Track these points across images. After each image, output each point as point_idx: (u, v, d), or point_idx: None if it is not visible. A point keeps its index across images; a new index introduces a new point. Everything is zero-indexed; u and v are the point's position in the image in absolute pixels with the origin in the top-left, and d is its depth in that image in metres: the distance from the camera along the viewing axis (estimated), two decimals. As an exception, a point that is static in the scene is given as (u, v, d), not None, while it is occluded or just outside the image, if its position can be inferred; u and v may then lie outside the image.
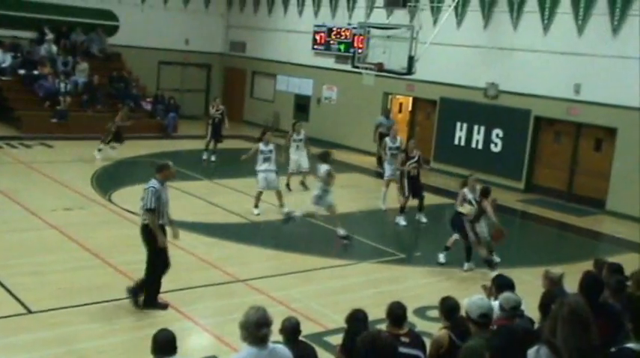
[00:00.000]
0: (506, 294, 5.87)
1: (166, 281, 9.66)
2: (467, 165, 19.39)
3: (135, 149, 19.88)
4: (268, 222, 13.59)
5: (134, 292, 8.71)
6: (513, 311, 5.73)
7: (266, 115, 25.99)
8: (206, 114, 25.67)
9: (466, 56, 19.54)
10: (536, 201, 17.56)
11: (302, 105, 25.21)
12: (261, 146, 14.06)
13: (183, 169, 17.24)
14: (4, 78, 22.43)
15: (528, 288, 7.97)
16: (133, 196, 14.54)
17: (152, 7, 26.34)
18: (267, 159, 13.99)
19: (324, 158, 12.54)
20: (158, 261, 8.62)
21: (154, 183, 8.54)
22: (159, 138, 22.44)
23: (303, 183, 16.55)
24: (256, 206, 13.85)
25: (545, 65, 17.81)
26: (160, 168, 8.57)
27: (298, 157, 16.23)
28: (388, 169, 15.26)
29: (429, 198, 15.40)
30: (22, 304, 8.65)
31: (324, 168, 12.36)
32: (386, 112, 20.88)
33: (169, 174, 8.62)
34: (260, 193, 13.92)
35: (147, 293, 8.69)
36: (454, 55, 19.82)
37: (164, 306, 8.70)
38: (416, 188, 14.21)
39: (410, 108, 22.34)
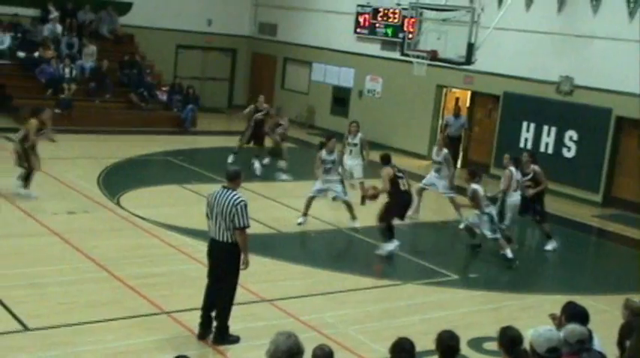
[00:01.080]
0: (571, 326, 5.83)
1: (179, 300, 9.77)
2: (534, 173, 19.25)
3: (148, 145, 20.15)
4: (301, 233, 13.68)
5: (225, 338, 8.47)
6: (580, 345, 5.70)
7: (299, 110, 26.13)
8: (242, 110, 25.93)
9: (536, 44, 19.41)
10: (616, 217, 17.34)
11: (341, 99, 25.29)
12: (324, 154, 14.01)
13: (203, 171, 17.45)
14: (1, 61, 22.88)
15: (605, 319, 7.90)
16: (145, 200, 14.78)
17: (171, -17, 26.77)
18: (329, 170, 13.96)
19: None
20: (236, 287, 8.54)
21: (239, 195, 8.39)
22: (175, 134, 22.72)
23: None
24: (304, 214, 13.97)
25: (629, 57, 17.60)
26: (236, 175, 8.41)
27: (351, 164, 15.94)
28: (440, 185, 15.26)
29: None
30: (18, 320, 8.83)
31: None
32: (455, 110, 20.80)
33: (240, 184, 8.52)
34: (312, 198, 13.98)
35: (222, 326, 8.49)
36: (522, 43, 19.71)
37: (237, 339, 8.59)
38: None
39: (467, 105, 22.27)
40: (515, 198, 13.74)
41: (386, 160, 12.83)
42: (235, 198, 8.17)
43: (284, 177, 17.54)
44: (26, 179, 14.04)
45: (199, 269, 10.33)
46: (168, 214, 13.76)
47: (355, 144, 16.10)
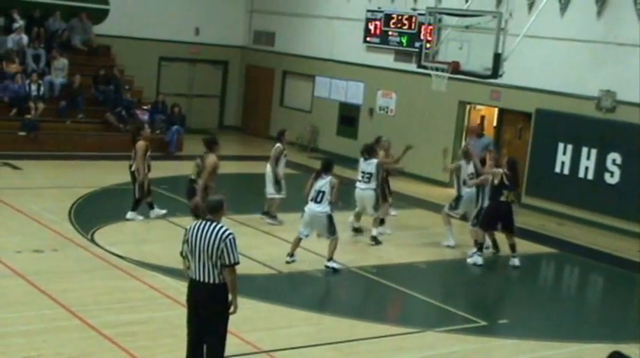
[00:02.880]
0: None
1: (162, 351, 9.73)
2: (571, 201, 19.24)
3: (126, 173, 20.10)
4: (303, 273, 13.67)
5: None
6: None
7: (300, 130, 26.21)
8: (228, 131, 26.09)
9: (572, 54, 19.49)
10: (668, 253, 17.30)
11: (349, 118, 25.38)
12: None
13: (187, 201, 17.44)
14: (-42, 77, 23.09)
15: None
16: (123, 236, 14.78)
17: (153, -14, 27.03)
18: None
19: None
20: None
21: (226, 227, 8.33)
22: (158, 159, 22.68)
23: (357, 230, 16.38)
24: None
25: (680, 67, 17.66)
26: (218, 206, 8.35)
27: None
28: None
29: (518, 245, 15.27)
30: (-24, 376, 8.80)
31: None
32: (477, 129, 20.76)
33: (222, 215, 8.49)
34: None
35: None
36: (556, 53, 19.80)
37: None
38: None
39: (495, 124, 22.29)
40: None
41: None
42: (222, 231, 8.12)
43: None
44: None
45: (185, 315, 10.30)
46: (150, 252, 13.74)
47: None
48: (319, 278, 13.55)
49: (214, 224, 8.17)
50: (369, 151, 15.65)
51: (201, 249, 8.12)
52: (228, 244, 8.10)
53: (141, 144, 15.67)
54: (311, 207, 13.58)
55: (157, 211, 16.09)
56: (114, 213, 16.14)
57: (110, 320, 10.58)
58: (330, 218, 13.63)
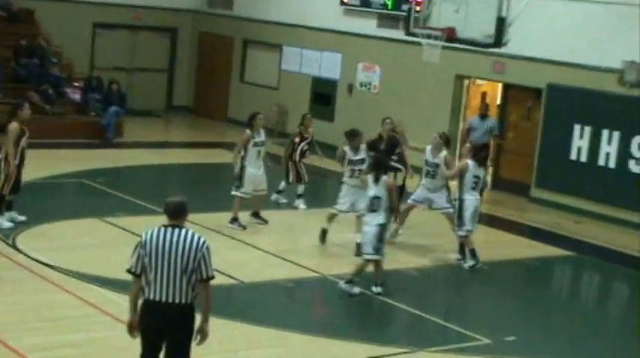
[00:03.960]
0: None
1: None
2: (590, 194, 19.36)
3: (55, 164, 20.09)
4: (271, 283, 13.69)
5: None
6: None
7: (265, 111, 26.15)
8: (182, 112, 25.95)
9: (590, 18, 19.61)
10: None
11: (323, 96, 25.42)
12: (348, 151, 15.38)
13: (132, 197, 17.42)
14: None
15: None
16: (51, 240, 14.71)
17: (85, -64, 26.85)
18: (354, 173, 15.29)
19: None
20: None
21: (198, 234, 8.16)
22: (93, 147, 22.68)
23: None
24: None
25: None
26: (182, 208, 8.18)
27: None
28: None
29: (527, 248, 15.37)
30: None
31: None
32: (481, 108, 20.87)
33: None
34: (334, 215, 15.37)
35: None
36: (570, 17, 19.91)
37: None
38: None
39: (498, 102, 22.39)
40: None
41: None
42: (197, 238, 7.94)
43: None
44: None
45: (127, 335, 10.28)
46: (85, 260, 13.68)
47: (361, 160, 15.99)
48: (289, 289, 13.56)
49: (183, 230, 8.00)
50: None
51: (170, 262, 7.92)
52: (206, 254, 7.99)
53: (14, 126, 14.60)
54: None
55: (12, 216, 15.09)
56: (40, 212, 16.04)
57: (37, 342, 10.50)
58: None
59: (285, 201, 18.13)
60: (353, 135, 15.51)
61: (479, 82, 22.83)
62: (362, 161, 15.33)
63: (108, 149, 22.72)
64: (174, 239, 7.93)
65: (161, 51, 29.03)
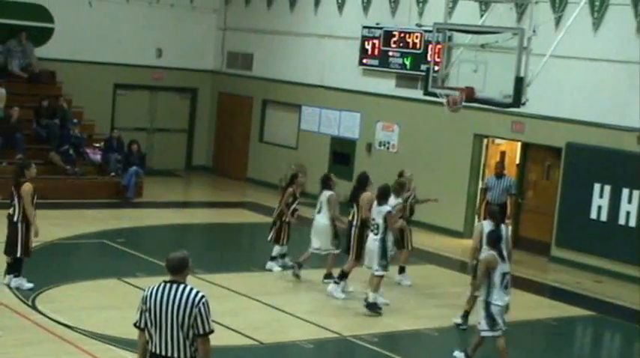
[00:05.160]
0: None
1: None
2: (610, 254, 19.24)
3: (75, 224, 20.14)
4: (288, 344, 13.61)
5: None
6: None
7: (284, 170, 26.19)
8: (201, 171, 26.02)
9: (609, 77, 19.61)
10: None
11: (343, 155, 25.46)
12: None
13: (152, 258, 17.42)
14: None
15: None
16: (70, 301, 14.70)
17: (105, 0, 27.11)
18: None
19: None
20: None
21: (197, 289, 8.17)
22: (113, 207, 22.74)
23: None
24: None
25: None
26: (183, 264, 8.22)
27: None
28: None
29: (548, 308, 15.26)
30: None
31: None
32: (497, 167, 20.79)
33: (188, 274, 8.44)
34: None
35: None
36: (589, 76, 19.94)
37: None
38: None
39: (517, 161, 22.38)
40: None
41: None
42: (194, 294, 8.06)
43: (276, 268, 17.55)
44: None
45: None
46: (104, 320, 13.66)
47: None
48: (308, 351, 13.48)
49: (181, 286, 8.08)
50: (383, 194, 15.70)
51: (168, 317, 8.02)
52: (202, 310, 8.02)
53: (29, 186, 14.55)
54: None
55: (20, 282, 14.90)
56: (59, 273, 16.07)
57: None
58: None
59: (291, 263, 17.45)
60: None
61: (498, 141, 22.82)
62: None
63: (128, 209, 22.77)
64: (172, 294, 8.03)
65: (181, 111, 29.17)
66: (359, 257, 15.54)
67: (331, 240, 16.59)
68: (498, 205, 19.61)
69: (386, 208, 15.01)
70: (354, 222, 15.95)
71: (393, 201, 15.80)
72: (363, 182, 16.34)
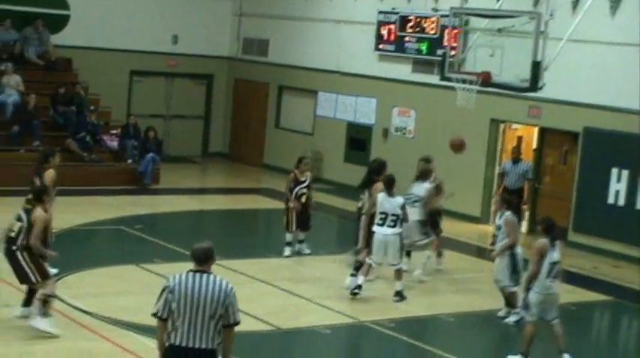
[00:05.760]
0: None
1: None
2: (628, 238, 19.22)
3: (92, 211, 20.29)
4: (308, 330, 13.71)
5: None
6: None
7: (300, 156, 26.21)
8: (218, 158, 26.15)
9: (627, 61, 19.56)
10: None
11: (359, 141, 25.52)
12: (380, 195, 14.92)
13: (169, 244, 17.53)
14: None
15: None
16: (89, 287, 14.80)
17: (121, -13, 27.22)
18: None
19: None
20: None
21: (225, 279, 8.13)
22: (130, 193, 22.83)
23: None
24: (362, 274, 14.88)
25: None
26: (210, 254, 8.21)
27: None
28: None
29: (565, 293, 15.24)
30: None
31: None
32: (513, 152, 20.74)
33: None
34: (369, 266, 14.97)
35: None
36: (607, 60, 19.91)
37: None
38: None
39: (534, 146, 22.39)
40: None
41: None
42: (224, 284, 8.03)
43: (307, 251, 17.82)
44: None
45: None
46: (123, 307, 13.74)
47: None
48: (326, 336, 13.53)
49: (209, 276, 8.09)
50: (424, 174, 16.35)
51: (200, 307, 7.97)
52: (233, 299, 8.06)
53: (52, 173, 14.57)
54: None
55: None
56: (78, 259, 16.15)
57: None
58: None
59: (308, 251, 17.71)
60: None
61: (515, 125, 22.80)
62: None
63: (145, 195, 22.85)
64: (203, 284, 8.02)
65: (197, 98, 29.25)
66: (369, 245, 15.45)
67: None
68: (515, 190, 19.72)
69: (399, 200, 14.90)
70: (364, 210, 15.80)
71: (427, 184, 15.92)
72: (378, 169, 16.05)
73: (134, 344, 12.18)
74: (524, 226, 20.93)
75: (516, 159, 20.26)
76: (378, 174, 15.77)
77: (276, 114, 28.15)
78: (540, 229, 12.62)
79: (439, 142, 22.97)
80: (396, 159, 23.21)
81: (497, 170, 22.07)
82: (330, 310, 14.41)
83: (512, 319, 14.38)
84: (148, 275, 15.52)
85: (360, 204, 16.24)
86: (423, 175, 16.63)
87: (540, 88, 17.75)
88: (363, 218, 15.65)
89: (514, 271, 14.13)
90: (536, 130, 22.27)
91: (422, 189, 16.38)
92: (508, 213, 14.26)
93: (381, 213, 14.74)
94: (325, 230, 20.17)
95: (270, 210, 21.25)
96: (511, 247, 14.07)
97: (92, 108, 25.08)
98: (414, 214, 15.94)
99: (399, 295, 15.00)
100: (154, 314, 8.13)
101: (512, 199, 15.01)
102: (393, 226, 14.76)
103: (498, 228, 14.49)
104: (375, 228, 14.82)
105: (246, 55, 28.84)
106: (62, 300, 13.80)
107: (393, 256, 14.84)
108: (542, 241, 12.30)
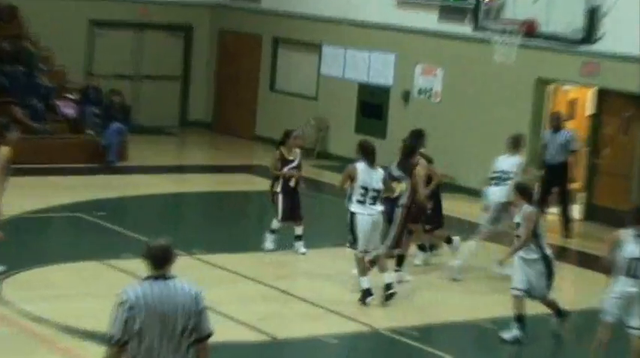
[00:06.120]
0: None
1: None
2: None
3: (46, 194, 20.36)
4: (310, 340, 13.74)
5: None
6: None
7: (301, 126, 26.25)
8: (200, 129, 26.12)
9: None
10: None
11: (373, 106, 25.54)
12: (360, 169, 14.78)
13: (139, 234, 17.51)
14: None
15: None
16: (42, 287, 14.82)
17: None
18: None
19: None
20: None
21: (194, 283, 8.12)
22: (91, 173, 22.84)
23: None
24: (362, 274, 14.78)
25: None
26: (169, 253, 8.16)
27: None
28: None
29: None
30: None
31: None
32: (554, 120, 20.78)
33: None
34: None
35: None
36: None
37: None
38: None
39: (590, 111, 22.41)
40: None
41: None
42: (194, 289, 7.92)
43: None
44: None
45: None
46: (83, 312, 13.75)
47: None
48: (332, 347, 13.56)
49: (174, 281, 7.94)
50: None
51: (167, 322, 7.86)
52: (204, 307, 7.96)
53: (5, 150, 14.58)
54: None
55: None
56: (29, 253, 16.21)
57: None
58: None
59: (304, 250, 17.41)
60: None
61: (566, 86, 22.80)
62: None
63: (110, 175, 22.86)
64: (171, 293, 7.87)
65: (173, 54, 29.28)
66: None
67: None
68: (555, 166, 19.78)
69: (381, 173, 14.96)
70: (404, 200, 15.74)
71: (516, 159, 15.91)
72: (417, 138, 16.35)
73: (94, 357, 12.23)
74: (576, 211, 20.99)
75: (557, 128, 20.27)
76: (415, 147, 16.06)
77: (271, 74, 28.16)
78: (632, 218, 12.61)
79: (472, 108, 23.05)
80: (419, 126, 23.26)
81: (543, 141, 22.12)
82: (338, 315, 14.41)
83: (506, 335, 13.96)
84: (114, 274, 15.53)
85: (396, 191, 16.02)
86: (514, 145, 16.52)
87: (597, 40, 17.76)
88: (402, 210, 15.69)
89: (549, 278, 13.94)
90: (592, 92, 22.27)
91: (511, 163, 16.31)
92: (528, 207, 13.99)
93: (362, 187, 14.73)
94: (330, 217, 20.16)
95: (263, 192, 21.25)
96: (522, 247, 13.81)
97: (44, 67, 25.05)
98: (501, 195, 15.99)
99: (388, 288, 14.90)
100: (110, 340, 7.89)
101: (528, 189, 14.65)
102: (374, 204, 14.82)
103: (517, 225, 14.24)
104: (355, 206, 14.77)
105: (234, 2, 28.82)
106: (12, 304, 13.86)
107: (377, 240, 14.96)
108: (622, 232, 12.38)
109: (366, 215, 14.64)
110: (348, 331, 14.04)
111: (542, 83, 22.34)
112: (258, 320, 13.85)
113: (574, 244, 19.32)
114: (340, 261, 16.85)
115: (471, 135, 23.07)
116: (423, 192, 15.61)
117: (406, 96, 24.76)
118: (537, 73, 21.95)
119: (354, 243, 14.76)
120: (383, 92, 25.33)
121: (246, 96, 28.45)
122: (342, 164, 24.48)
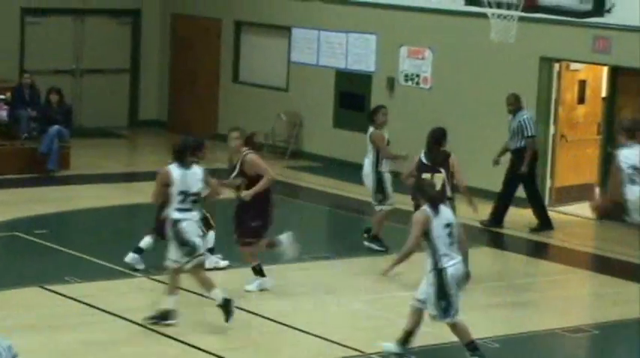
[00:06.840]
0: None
1: None
2: None
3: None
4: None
5: None
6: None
7: (271, 122, 26.27)
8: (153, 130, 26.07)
9: None
10: None
11: (353, 97, 25.58)
12: None
13: (84, 254, 17.45)
14: None
15: None
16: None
17: None
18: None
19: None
20: None
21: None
22: (28, 184, 22.80)
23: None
24: None
25: None
26: None
27: None
28: None
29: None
30: None
31: None
32: (509, 101, 20.78)
33: None
34: None
35: None
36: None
37: None
38: None
39: (603, 94, 22.43)
40: None
41: None
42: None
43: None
44: None
45: None
46: (23, 347, 13.65)
47: None
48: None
49: None
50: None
51: None
52: None
53: None
54: None
55: None
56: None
57: None
58: None
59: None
60: None
61: (574, 65, 22.81)
62: None
63: (50, 186, 22.85)
64: None
65: (119, 44, 29.32)
66: None
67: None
68: (513, 152, 19.98)
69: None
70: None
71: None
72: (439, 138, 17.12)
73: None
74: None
75: (513, 111, 20.37)
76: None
77: (234, 62, 28.23)
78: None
79: (467, 93, 23.07)
80: (407, 119, 23.33)
81: (552, 129, 22.14)
82: (323, 340, 14.36)
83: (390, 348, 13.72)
84: (58, 301, 15.49)
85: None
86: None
87: (608, 11, 17.79)
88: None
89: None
90: (605, 71, 22.32)
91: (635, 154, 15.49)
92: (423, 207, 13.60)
93: None
94: (310, 226, 20.14)
95: (230, 200, 21.25)
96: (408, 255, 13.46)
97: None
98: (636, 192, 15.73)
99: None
100: None
101: (428, 189, 14.12)
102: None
103: None
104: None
105: (188, -20, 28.89)
106: None
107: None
108: None
109: None
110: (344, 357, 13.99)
111: (547, 62, 22.38)
112: (226, 349, 13.79)
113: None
114: (323, 275, 16.83)
115: (467, 124, 23.04)
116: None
117: (391, 83, 24.81)
118: (541, 51, 22.02)
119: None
120: (364, 80, 25.40)
121: (206, 90, 28.49)
122: (320, 164, 24.62)
